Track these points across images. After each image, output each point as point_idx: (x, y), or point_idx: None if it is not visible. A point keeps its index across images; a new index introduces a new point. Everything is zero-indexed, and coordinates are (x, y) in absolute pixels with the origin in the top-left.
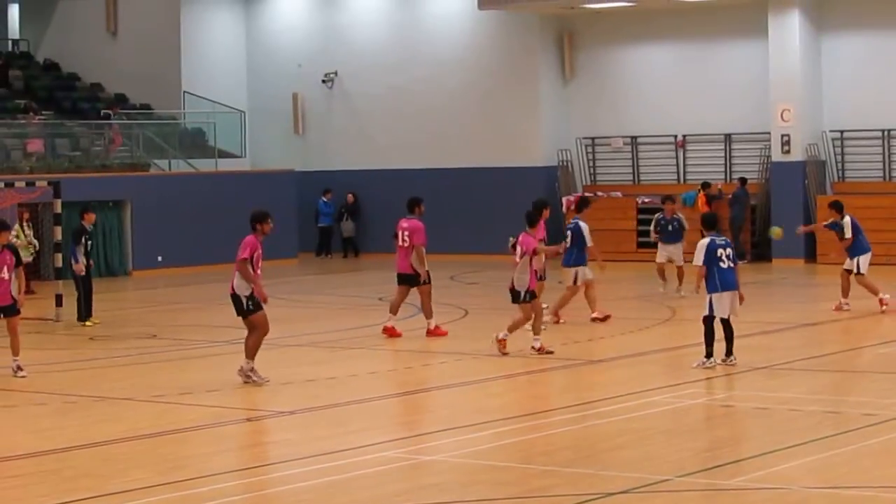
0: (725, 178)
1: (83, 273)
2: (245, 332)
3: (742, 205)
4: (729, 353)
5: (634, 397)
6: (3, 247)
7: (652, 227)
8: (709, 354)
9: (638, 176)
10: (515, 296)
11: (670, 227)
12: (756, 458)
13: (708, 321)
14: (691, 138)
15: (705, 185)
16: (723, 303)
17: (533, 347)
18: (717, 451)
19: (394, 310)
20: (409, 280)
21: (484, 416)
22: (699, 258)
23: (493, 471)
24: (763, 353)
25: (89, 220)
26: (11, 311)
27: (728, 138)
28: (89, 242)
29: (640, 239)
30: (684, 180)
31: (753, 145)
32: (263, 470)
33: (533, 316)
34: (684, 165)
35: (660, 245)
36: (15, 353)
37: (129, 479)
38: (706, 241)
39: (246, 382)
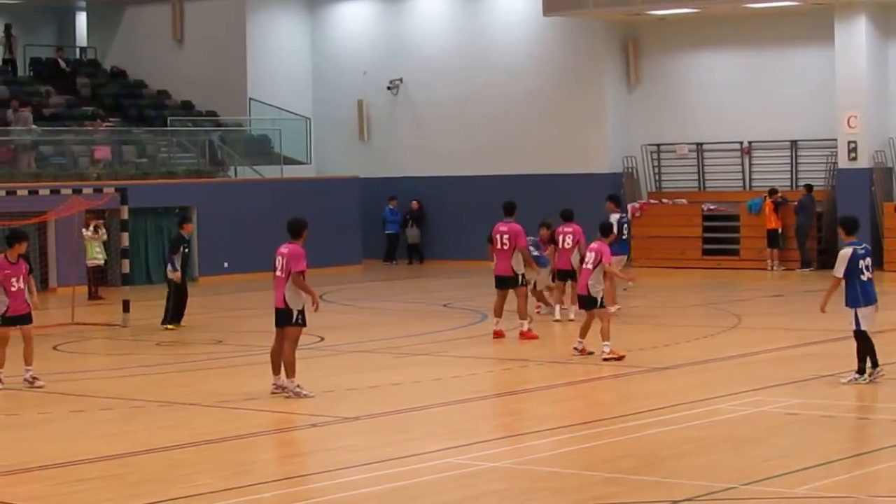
0: (791, 186)
1: (179, 280)
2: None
3: (808, 212)
4: (875, 364)
5: (699, 405)
6: (19, 257)
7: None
8: (861, 371)
9: (703, 183)
10: (591, 302)
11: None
12: (822, 467)
13: (859, 336)
14: (757, 145)
15: (772, 192)
16: (868, 316)
17: (604, 352)
18: (782, 459)
19: (498, 313)
20: (508, 283)
21: (546, 423)
22: (840, 269)
23: (556, 478)
24: (829, 361)
25: (188, 229)
26: (27, 319)
27: (794, 145)
28: (186, 251)
29: (706, 246)
30: (750, 187)
31: (820, 152)
32: (325, 476)
33: (604, 321)
34: (750, 172)
35: None
36: (28, 362)
37: (194, 485)
38: (848, 251)
39: (289, 398)
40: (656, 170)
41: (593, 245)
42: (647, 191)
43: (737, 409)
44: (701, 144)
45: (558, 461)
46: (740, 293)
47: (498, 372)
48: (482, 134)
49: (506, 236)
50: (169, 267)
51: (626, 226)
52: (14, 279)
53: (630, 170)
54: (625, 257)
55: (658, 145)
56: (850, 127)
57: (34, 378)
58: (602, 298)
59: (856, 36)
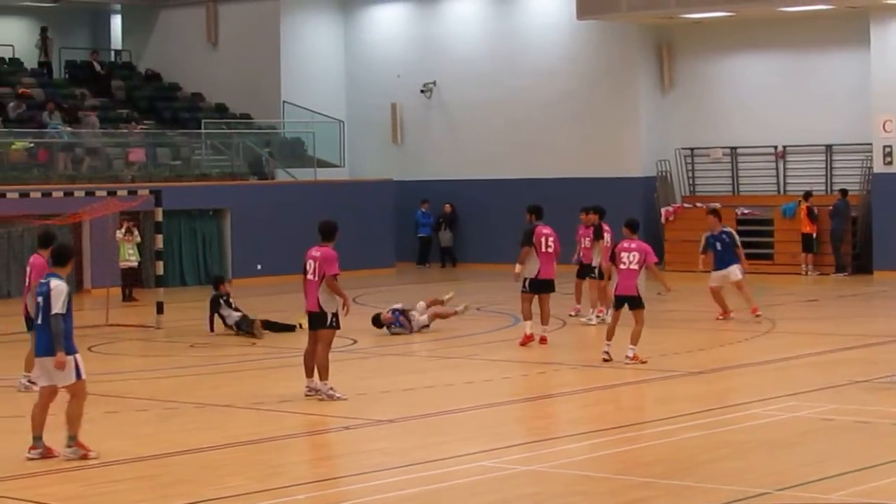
0: (826, 190)
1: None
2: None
3: (843, 217)
4: None
5: (734, 409)
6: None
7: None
8: None
9: (737, 187)
10: (638, 302)
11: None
12: (856, 473)
13: None
14: (791, 149)
15: (807, 196)
16: None
17: (627, 357)
18: (817, 464)
19: (546, 320)
20: (551, 287)
21: (580, 427)
22: None
23: (590, 482)
24: (864, 367)
25: (222, 289)
26: None
27: (829, 149)
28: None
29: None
30: (784, 191)
31: (855, 156)
32: (358, 479)
33: (639, 324)
34: (784, 176)
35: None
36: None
37: (227, 486)
38: None
39: (322, 400)
40: (690, 173)
41: (633, 245)
42: (680, 195)
43: (771, 414)
44: (735, 148)
45: (592, 465)
46: (774, 298)
47: (531, 375)
48: (515, 137)
49: (552, 238)
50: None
51: (727, 240)
52: None
53: (664, 174)
54: (735, 268)
55: (692, 149)
56: (885, 131)
57: (31, 384)
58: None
59: (891, 39)
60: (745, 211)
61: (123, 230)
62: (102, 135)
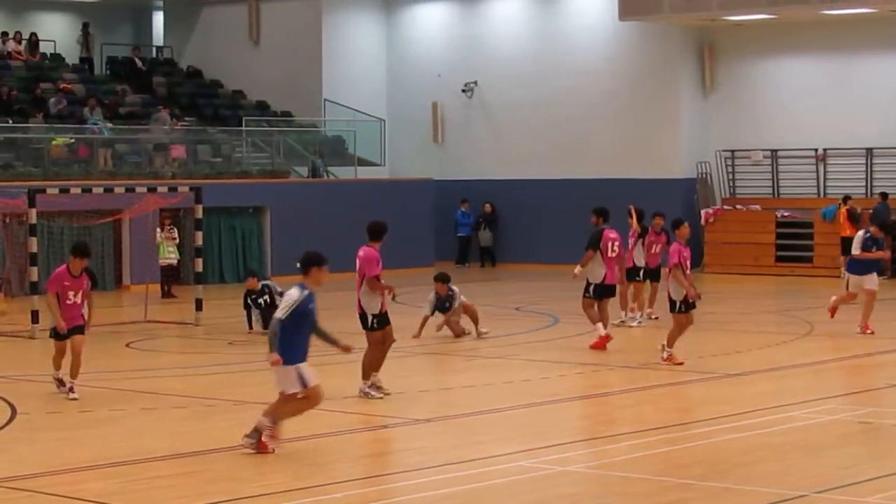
0: (866, 193)
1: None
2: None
3: (882, 220)
4: None
5: (772, 412)
6: (83, 271)
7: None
8: None
9: (777, 189)
10: (671, 305)
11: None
12: (894, 477)
13: None
14: (832, 152)
15: (846, 200)
16: None
17: (663, 358)
18: (855, 467)
19: (606, 323)
20: (614, 292)
21: (618, 428)
22: None
23: (627, 483)
24: None
25: (251, 285)
26: (79, 331)
27: (869, 152)
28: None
29: (779, 253)
30: (824, 194)
31: (895, 160)
32: (396, 477)
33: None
34: (825, 179)
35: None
36: (72, 374)
37: (267, 483)
38: None
39: (361, 398)
40: (730, 176)
41: (672, 247)
42: (721, 196)
43: (810, 417)
44: (776, 151)
45: (631, 466)
46: (813, 301)
47: (570, 376)
48: (556, 137)
49: (617, 243)
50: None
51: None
52: (72, 293)
53: (704, 175)
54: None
55: (732, 151)
56: None
57: (71, 389)
58: (680, 303)
59: None
60: (785, 213)
61: (163, 230)
62: (143, 131)
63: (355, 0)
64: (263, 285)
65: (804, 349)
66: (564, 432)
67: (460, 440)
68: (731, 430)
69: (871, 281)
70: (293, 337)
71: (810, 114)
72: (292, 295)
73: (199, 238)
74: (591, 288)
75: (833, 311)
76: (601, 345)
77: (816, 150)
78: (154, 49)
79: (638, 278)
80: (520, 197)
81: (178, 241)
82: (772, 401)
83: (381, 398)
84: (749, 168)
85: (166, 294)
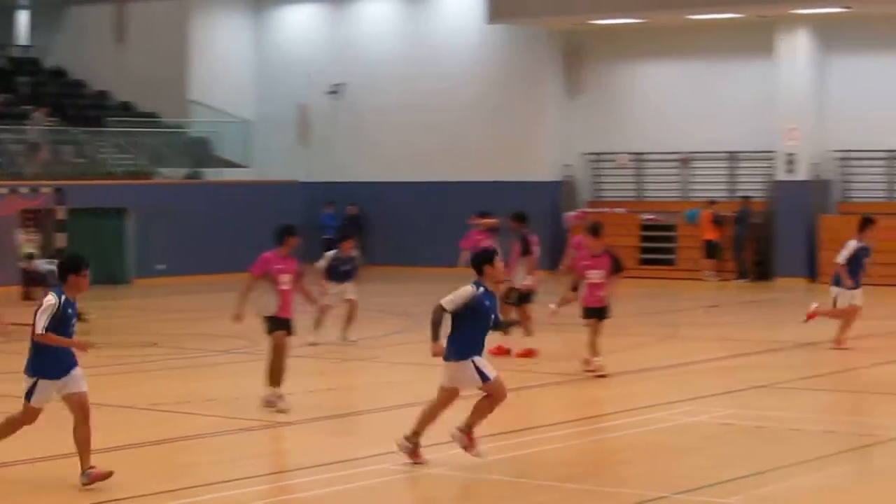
0: (729, 197)
1: None
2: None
3: (745, 224)
4: None
5: (637, 413)
6: None
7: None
8: None
9: (642, 192)
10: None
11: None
12: (755, 477)
13: None
14: (696, 156)
15: (710, 203)
16: None
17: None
18: (716, 468)
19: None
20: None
21: (483, 430)
22: None
23: (490, 485)
24: (764, 372)
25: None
26: None
27: (733, 156)
28: None
29: (643, 256)
30: (688, 198)
31: (758, 164)
32: (259, 480)
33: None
34: (689, 183)
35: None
36: None
37: (132, 486)
38: None
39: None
40: (596, 178)
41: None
42: (586, 199)
43: (673, 419)
44: (641, 154)
45: (495, 468)
46: (677, 303)
47: (433, 378)
48: (425, 140)
49: (536, 247)
50: None
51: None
52: None
53: (569, 178)
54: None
55: (598, 154)
56: (789, 139)
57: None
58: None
59: (797, 49)
60: (650, 216)
61: (25, 230)
62: (6, 131)
63: (223, 0)
64: None
65: (667, 351)
66: (430, 434)
67: (323, 443)
68: (596, 431)
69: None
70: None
71: (676, 118)
72: (50, 299)
73: (62, 240)
74: (514, 294)
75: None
76: (527, 354)
77: (681, 153)
78: (18, 48)
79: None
80: (387, 199)
81: (37, 242)
82: (637, 402)
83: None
84: (614, 171)
85: (27, 297)
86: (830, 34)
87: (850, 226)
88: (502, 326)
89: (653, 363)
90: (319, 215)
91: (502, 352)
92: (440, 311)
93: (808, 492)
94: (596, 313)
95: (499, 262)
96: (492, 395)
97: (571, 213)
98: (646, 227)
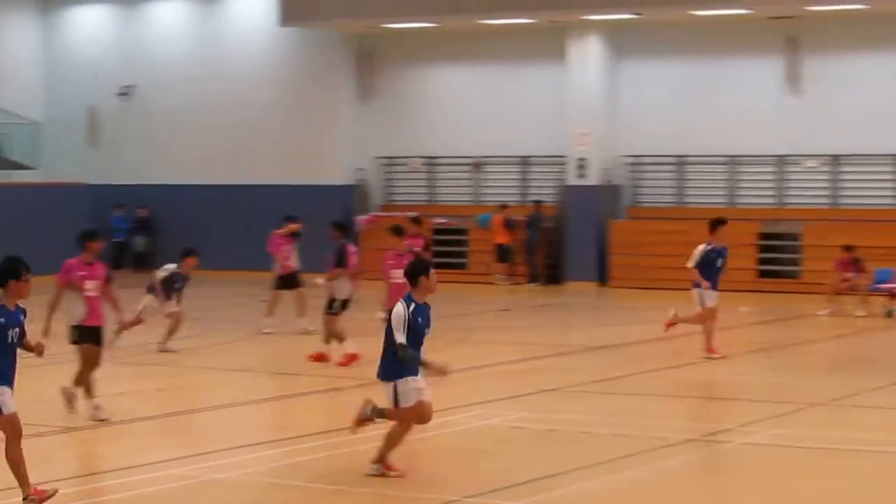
0: (521, 201)
1: None
2: None
3: (537, 228)
4: None
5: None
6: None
7: None
8: None
9: (434, 196)
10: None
11: None
12: (547, 479)
13: None
14: (488, 160)
15: (502, 207)
16: None
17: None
18: (509, 472)
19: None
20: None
21: (273, 434)
22: None
23: (280, 489)
24: (555, 375)
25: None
26: None
27: (525, 161)
28: None
29: (436, 260)
30: (480, 202)
31: (550, 168)
32: (69, 483)
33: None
34: (480, 187)
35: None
36: None
37: None
38: None
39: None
40: (388, 182)
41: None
42: (378, 203)
43: (466, 422)
44: (433, 158)
45: (286, 472)
46: (468, 307)
47: (227, 383)
48: (217, 142)
49: (354, 258)
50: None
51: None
52: None
53: (362, 182)
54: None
55: (391, 158)
56: (580, 145)
57: None
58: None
59: (589, 55)
60: (442, 220)
61: None
62: None
63: (11, 1)
64: None
65: (458, 355)
66: (218, 440)
67: (110, 448)
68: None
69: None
70: None
71: (468, 122)
72: None
73: None
74: (336, 304)
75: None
76: (348, 362)
77: (473, 158)
78: None
79: (292, 285)
80: (178, 202)
81: None
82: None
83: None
84: (406, 175)
85: None
86: (621, 40)
87: (640, 230)
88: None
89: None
90: (109, 218)
91: (322, 359)
92: (403, 347)
93: (599, 494)
94: None
95: (434, 274)
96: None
97: (363, 217)
98: (438, 231)
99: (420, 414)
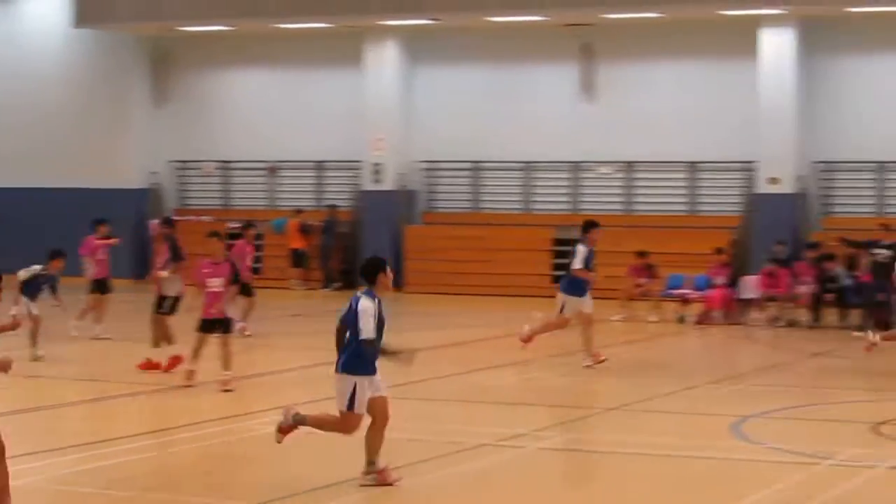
0: (317, 206)
1: None
2: None
3: (332, 233)
4: None
5: (220, 423)
6: None
7: None
8: None
9: (229, 201)
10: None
11: None
12: (339, 485)
13: None
14: (284, 165)
15: (298, 212)
16: None
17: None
18: (300, 478)
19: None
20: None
21: (69, 440)
22: None
23: (75, 497)
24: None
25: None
26: None
27: (320, 165)
28: None
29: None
30: (275, 206)
31: (345, 173)
32: None
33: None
34: (276, 192)
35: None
36: None
37: None
38: None
39: None
40: (182, 186)
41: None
42: (173, 207)
43: (257, 429)
44: (228, 162)
45: (79, 479)
46: (263, 312)
47: (28, 388)
48: (8, 144)
49: None
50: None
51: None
52: None
53: (156, 186)
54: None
55: (185, 162)
56: (376, 150)
57: None
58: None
59: (385, 60)
60: (235, 225)
61: None
62: None
63: None
64: None
65: (255, 361)
66: (13, 446)
67: None
68: (178, 441)
69: (589, 304)
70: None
71: (263, 126)
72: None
73: None
74: (167, 302)
75: (529, 340)
76: (176, 363)
77: (268, 162)
78: None
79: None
80: None
81: None
82: (225, 412)
83: None
84: (201, 179)
85: None
86: (418, 46)
87: (436, 235)
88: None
89: (238, 372)
90: None
91: (152, 366)
92: (370, 343)
93: (394, 498)
94: (217, 325)
95: (390, 271)
96: (342, 429)
97: (156, 221)
98: (232, 236)
99: (347, 427)
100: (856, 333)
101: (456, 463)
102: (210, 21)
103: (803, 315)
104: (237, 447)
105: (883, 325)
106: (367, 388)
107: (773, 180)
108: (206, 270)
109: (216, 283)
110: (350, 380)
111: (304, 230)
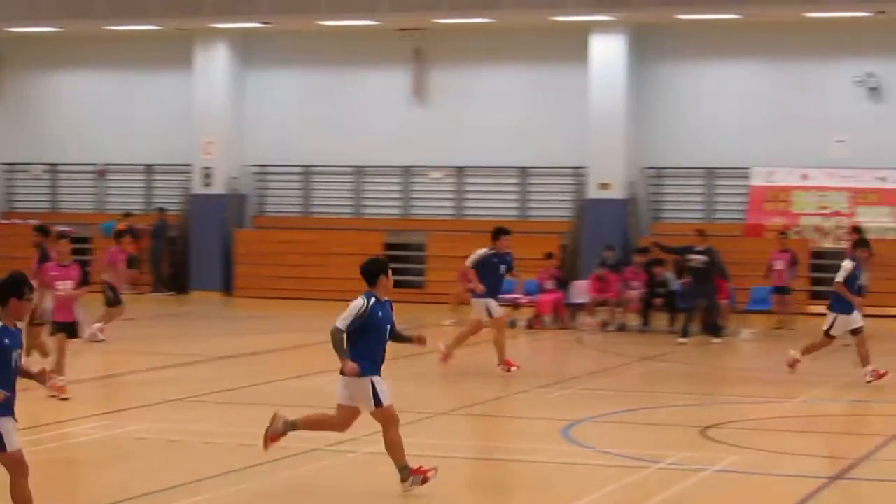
0: (146, 209)
1: None
2: None
3: (161, 236)
4: None
5: (52, 428)
6: None
7: None
8: None
9: (57, 204)
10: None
11: None
12: (171, 490)
13: None
14: (113, 168)
15: (127, 215)
16: None
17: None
18: (133, 483)
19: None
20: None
21: None
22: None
23: None
24: (179, 385)
25: None
26: None
27: (150, 169)
28: None
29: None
30: (104, 209)
31: (176, 177)
32: None
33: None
34: (105, 195)
35: None
36: None
37: None
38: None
39: None
40: (10, 189)
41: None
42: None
43: (88, 433)
44: (56, 165)
45: None
46: (97, 316)
47: None
48: None
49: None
50: None
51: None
52: None
53: None
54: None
55: (12, 164)
56: (206, 153)
57: None
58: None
59: (215, 63)
60: (66, 228)
61: None
62: None
63: None
64: None
65: (79, 364)
66: None
67: None
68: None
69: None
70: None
71: (92, 129)
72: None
73: None
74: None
75: (447, 356)
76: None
77: (97, 165)
78: None
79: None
80: None
81: None
82: (53, 417)
83: None
84: (28, 182)
85: None
86: (249, 49)
87: (266, 239)
88: (403, 339)
89: (71, 376)
90: None
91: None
92: (338, 332)
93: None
94: (65, 328)
95: (390, 273)
96: (385, 424)
97: None
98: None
99: (343, 424)
100: (681, 340)
101: (285, 468)
102: (39, 22)
103: (633, 319)
104: (61, 454)
105: (713, 330)
106: (381, 381)
107: (604, 186)
108: (53, 273)
109: (65, 286)
110: (364, 380)
111: (133, 234)
